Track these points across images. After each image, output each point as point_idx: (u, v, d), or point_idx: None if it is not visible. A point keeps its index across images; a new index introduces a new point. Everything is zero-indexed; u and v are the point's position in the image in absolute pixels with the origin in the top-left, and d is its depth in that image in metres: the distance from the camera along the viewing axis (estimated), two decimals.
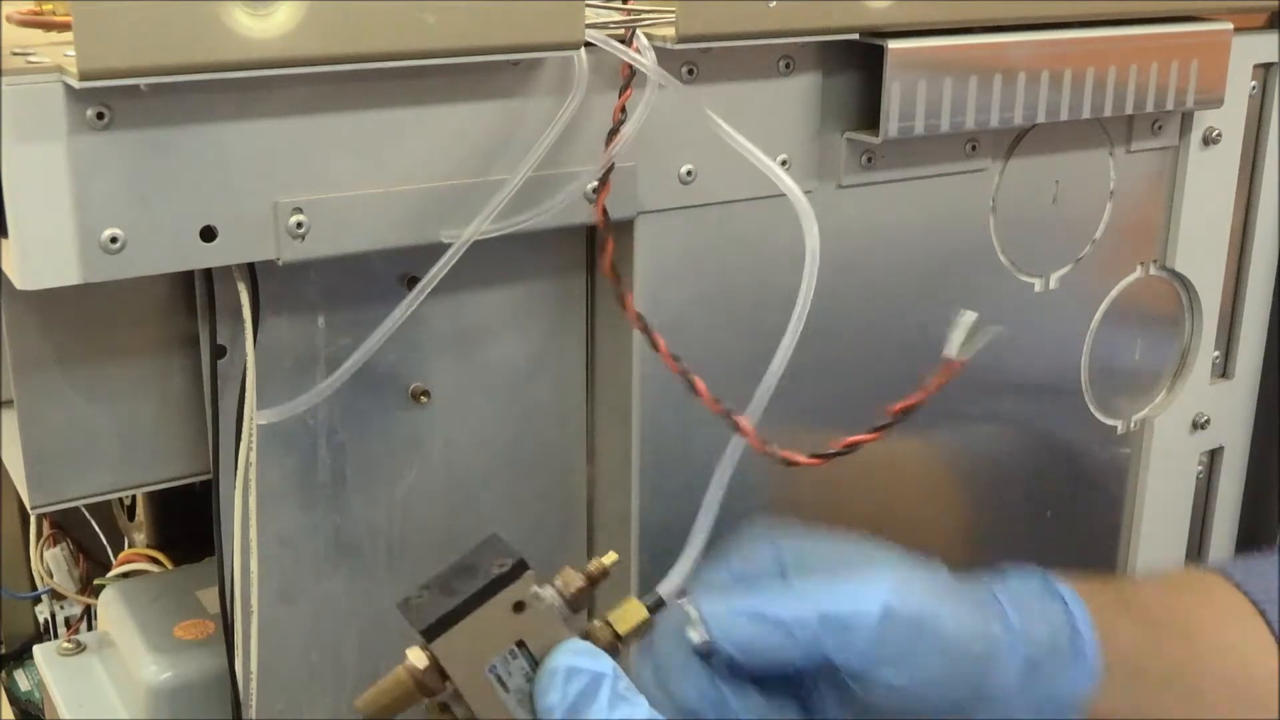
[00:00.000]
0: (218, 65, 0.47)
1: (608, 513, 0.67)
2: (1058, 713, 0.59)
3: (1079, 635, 0.61)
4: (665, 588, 0.55)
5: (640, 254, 0.61)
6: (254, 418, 0.56)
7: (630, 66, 0.56)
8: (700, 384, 0.55)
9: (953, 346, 0.53)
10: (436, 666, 0.49)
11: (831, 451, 0.55)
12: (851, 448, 0.55)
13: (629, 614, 0.53)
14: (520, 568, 0.50)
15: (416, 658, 0.49)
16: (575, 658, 0.50)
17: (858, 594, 0.54)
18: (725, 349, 0.64)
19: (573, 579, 0.52)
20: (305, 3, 0.48)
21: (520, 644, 0.50)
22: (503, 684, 0.50)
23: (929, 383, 0.54)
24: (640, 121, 0.56)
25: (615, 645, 0.52)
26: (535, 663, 0.50)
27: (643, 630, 0.53)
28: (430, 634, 0.49)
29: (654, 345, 0.55)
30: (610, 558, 0.53)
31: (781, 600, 0.54)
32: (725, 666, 0.54)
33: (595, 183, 0.57)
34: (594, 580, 0.52)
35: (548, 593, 0.51)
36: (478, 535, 0.64)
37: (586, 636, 0.52)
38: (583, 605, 0.52)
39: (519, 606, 0.50)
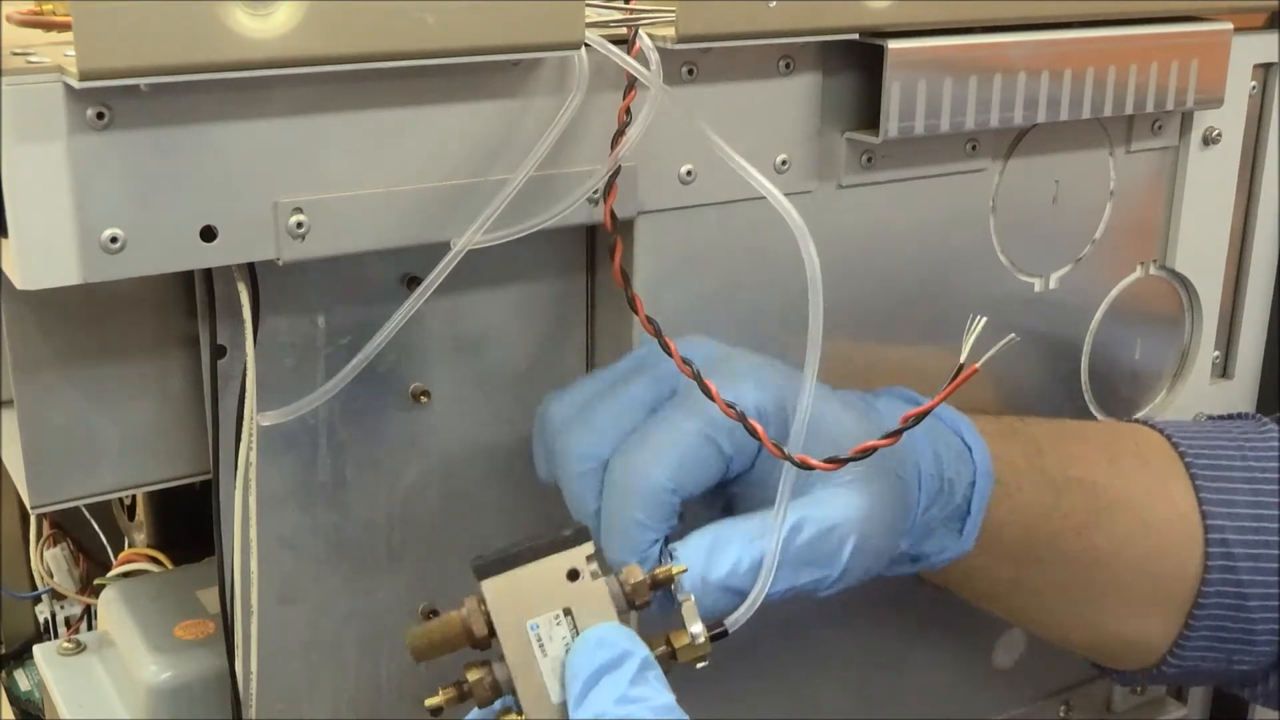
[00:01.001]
0: (218, 65, 0.47)
1: None
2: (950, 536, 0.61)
3: (968, 447, 0.62)
4: (732, 621, 0.55)
5: (640, 254, 0.61)
6: (254, 418, 0.56)
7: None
8: (714, 389, 0.55)
9: (967, 352, 0.53)
10: (486, 616, 0.50)
11: (846, 456, 0.55)
12: (866, 452, 0.55)
13: (692, 646, 0.53)
14: (581, 535, 0.51)
15: (471, 604, 0.51)
16: (611, 632, 0.50)
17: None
18: None
19: (634, 573, 0.52)
20: (305, 3, 0.48)
21: (567, 611, 0.51)
22: (542, 647, 0.51)
23: (942, 389, 0.54)
24: (645, 123, 0.56)
25: (668, 662, 0.53)
26: (576, 632, 0.51)
27: (698, 660, 0.54)
28: (482, 573, 0.50)
29: (666, 350, 0.55)
30: (680, 568, 0.54)
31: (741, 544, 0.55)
32: None
33: (599, 185, 0.57)
34: (656, 584, 0.53)
35: (606, 574, 0.52)
36: (478, 535, 0.65)
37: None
38: (639, 602, 0.52)
39: (573, 574, 0.51)
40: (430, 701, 0.51)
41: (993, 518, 0.62)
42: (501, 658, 0.51)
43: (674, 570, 0.53)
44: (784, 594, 0.56)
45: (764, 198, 0.63)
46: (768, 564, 0.55)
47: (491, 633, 0.50)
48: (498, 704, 0.52)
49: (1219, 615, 0.67)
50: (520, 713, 0.51)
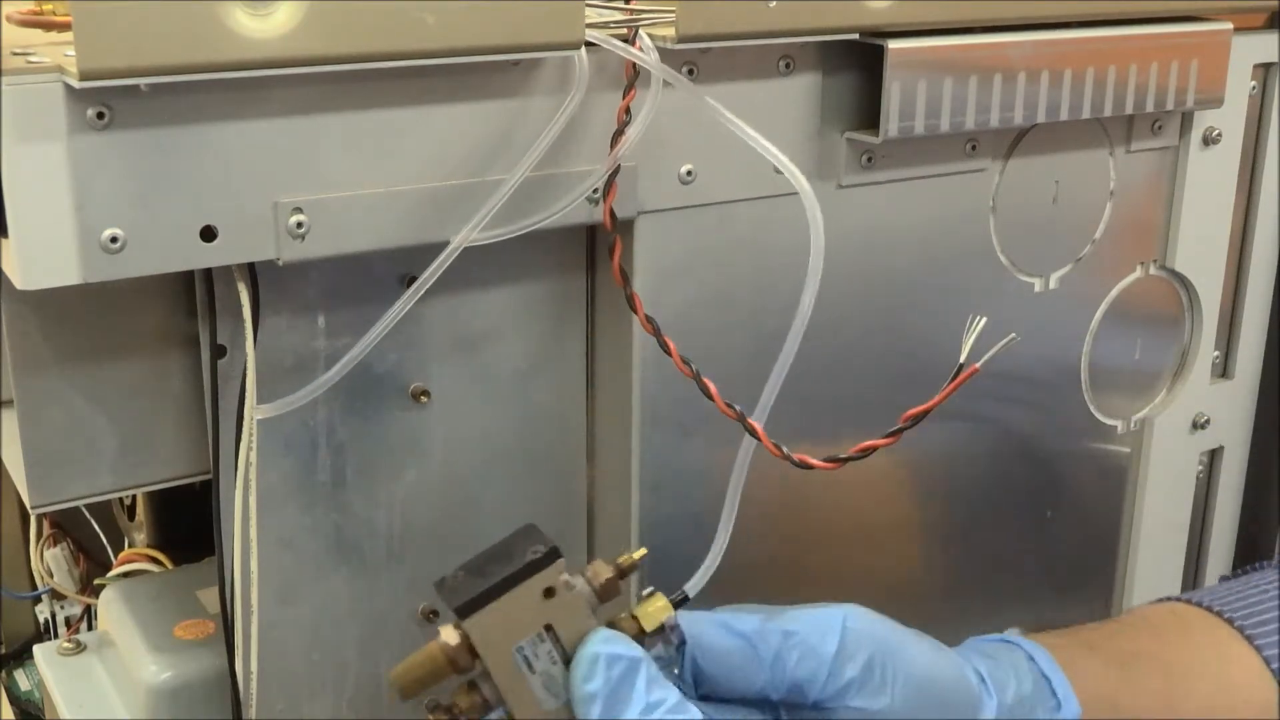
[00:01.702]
0: (218, 65, 0.47)
1: (608, 513, 0.67)
2: None
3: (1047, 678, 0.62)
4: (691, 586, 0.56)
5: (640, 254, 0.61)
6: (254, 416, 0.56)
7: (634, 67, 0.56)
8: (713, 388, 0.55)
9: (967, 353, 0.53)
10: (468, 645, 0.51)
11: (846, 456, 0.55)
12: (866, 452, 0.55)
13: (655, 611, 0.54)
14: (553, 555, 0.52)
15: (449, 635, 0.51)
16: (612, 645, 0.52)
17: (820, 615, 0.56)
18: (726, 349, 0.64)
19: (602, 570, 0.54)
20: (305, 3, 0.48)
21: (548, 628, 0.52)
22: (529, 665, 0.52)
23: (943, 389, 0.54)
24: (645, 123, 0.56)
25: (640, 639, 0.54)
26: (562, 647, 0.52)
27: (666, 626, 0.55)
28: (463, 612, 0.51)
29: (665, 349, 0.55)
30: (640, 553, 0.55)
31: (749, 617, 0.56)
32: (695, 689, 0.54)
33: (599, 184, 0.57)
34: (623, 573, 0.54)
35: (578, 581, 0.53)
36: (478, 535, 0.64)
37: (613, 627, 0.53)
38: (611, 596, 0.54)
39: (549, 592, 0.52)
40: None
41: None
42: (485, 676, 0.52)
43: (635, 556, 0.55)
44: None
45: (764, 198, 0.63)
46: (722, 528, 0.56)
47: (475, 657, 0.51)
48: (492, 715, 0.53)
49: None
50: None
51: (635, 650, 0.52)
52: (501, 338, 0.62)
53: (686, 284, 0.63)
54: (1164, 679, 0.66)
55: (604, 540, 0.67)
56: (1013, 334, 0.53)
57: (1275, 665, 0.67)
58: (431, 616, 0.64)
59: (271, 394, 0.57)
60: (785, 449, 0.55)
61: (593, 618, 0.53)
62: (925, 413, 0.55)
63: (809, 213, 0.55)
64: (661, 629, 0.54)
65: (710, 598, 0.68)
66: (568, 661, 0.52)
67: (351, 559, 0.62)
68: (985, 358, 0.53)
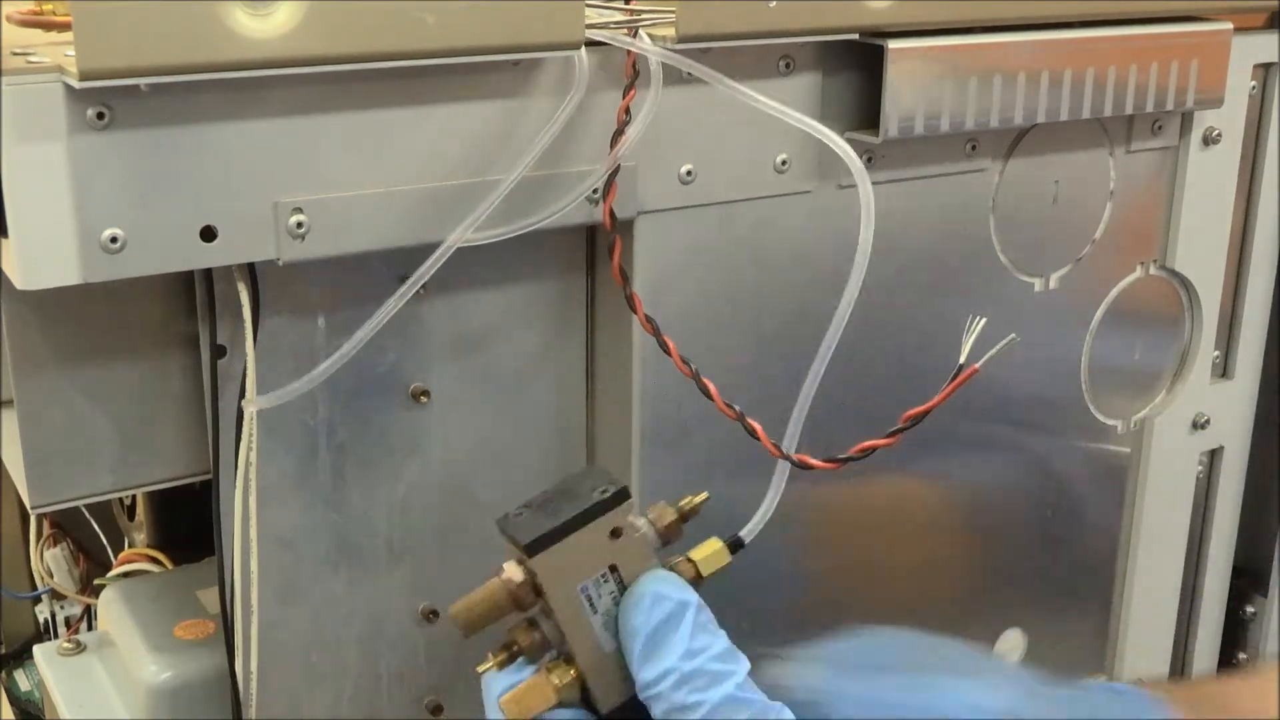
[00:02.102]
0: (218, 65, 0.47)
1: None
2: None
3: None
4: (746, 532, 0.56)
5: (640, 254, 0.61)
6: (253, 416, 0.56)
7: (635, 67, 0.56)
8: (713, 388, 0.55)
9: (967, 353, 0.53)
10: (532, 582, 0.51)
11: (845, 456, 0.55)
12: (866, 452, 0.55)
13: (712, 555, 0.55)
14: (622, 495, 0.52)
15: (514, 571, 0.51)
16: (663, 584, 0.52)
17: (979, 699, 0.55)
18: (726, 349, 0.64)
19: (665, 514, 0.54)
20: (305, 3, 0.48)
21: (613, 568, 0.52)
22: (591, 605, 0.52)
23: (943, 389, 0.54)
24: (645, 122, 0.56)
25: (697, 581, 0.54)
26: (624, 588, 0.52)
27: (721, 570, 0.55)
28: (532, 549, 0.50)
29: (665, 349, 0.55)
30: (702, 496, 0.55)
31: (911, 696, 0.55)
32: None
33: (599, 184, 0.57)
34: (685, 516, 0.54)
35: (642, 523, 0.53)
36: (478, 535, 0.65)
37: (670, 569, 0.53)
38: (673, 539, 0.54)
39: (616, 533, 0.52)
40: (483, 667, 0.52)
41: None
42: (546, 613, 0.52)
43: (697, 500, 0.54)
44: None
45: (764, 198, 0.63)
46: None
47: (538, 595, 0.51)
48: (545, 656, 0.53)
49: None
50: (572, 662, 0.52)
51: (687, 593, 0.52)
52: (501, 338, 0.62)
53: (686, 284, 0.63)
54: None
55: None
56: (1012, 334, 0.53)
57: None
58: (431, 616, 0.64)
59: (271, 394, 0.57)
60: (784, 449, 0.55)
61: (655, 558, 0.53)
62: (925, 413, 0.55)
63: (862, 196, 0.55)
64: (718, 570, 0.54)
65: (711, 598, 0.68)
66: None
67: (351, 559, 0.62)
68: (985, 358, 0.53)
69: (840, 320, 0.55)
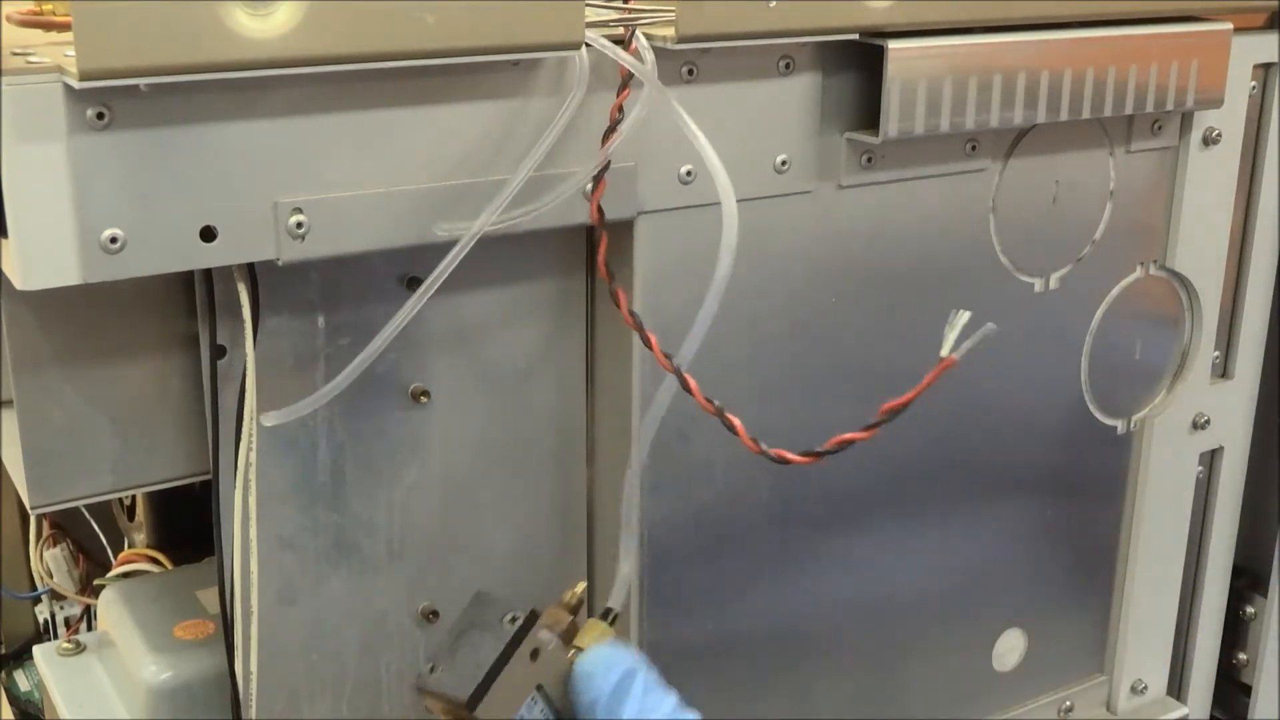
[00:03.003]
0: (218, 65, 0.47)
1: (608, 513, 0.67)
2: None
3: None
4: (613, 602, 0.58)
5: (640, 254, 0.61)
6: (254, 418, 0.56)
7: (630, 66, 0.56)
8: (693, 382, 0.55)
9: (947, 345, 0.53)
10: None
11: (822, 450, 0.55)
12: (843, 445, 0.55)
13: (599, 633, 0.56)
14: (533, 617, 0.53)
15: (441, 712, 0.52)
16: (612, 653, 0.53)
17: None
18: (725, 348, 0.64)
19: (560, 617, 0.55)
20: (305, 3, 0.48)
21: (539, 687, 0.53)
22: None
23: (920, 381, 0.54)
24: (637, 121, 0.56)
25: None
26: (551, 703, 0.53)
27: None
28: (473, 703, 0.51)
29: (646, 343, 0.55)
30: (580, 586, 0.57)
31: None
32: None
33: (592, 181, 0.57)
34: (575, 611, 0.56)
35: (547, 636, 0.54)
36: (478, 535, 0.65)
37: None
38: (573, 637, 0.55)
39: (535, 654, 0.53)
40: None
41: None
42: None
43: (579, 590, 0.56)
44: None
45: (764, 198, 0.63)
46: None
47: None
48: None
49: None
50: None
51: (635, 660, 0.53)
52: (501, 338, 0.62)
53: (686, 284, 0.63)
54: None
55: (604, 540, 0.67)
56: (989, 325, 0.53)
57: None
58: (431, 617, 0.64)
59: (272, 394, 0.57)
60: (763, 444, 0.55)
61: (568, 658, 0.54)
62: (903, 406, 0.54)
63: (724, 206, 0.55)
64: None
65: (713, 597, 0.68)
66: (560, 717, 0.53)
67: (351, 559, 0.62)
68: (963, 349, 0.53)
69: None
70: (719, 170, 0.55)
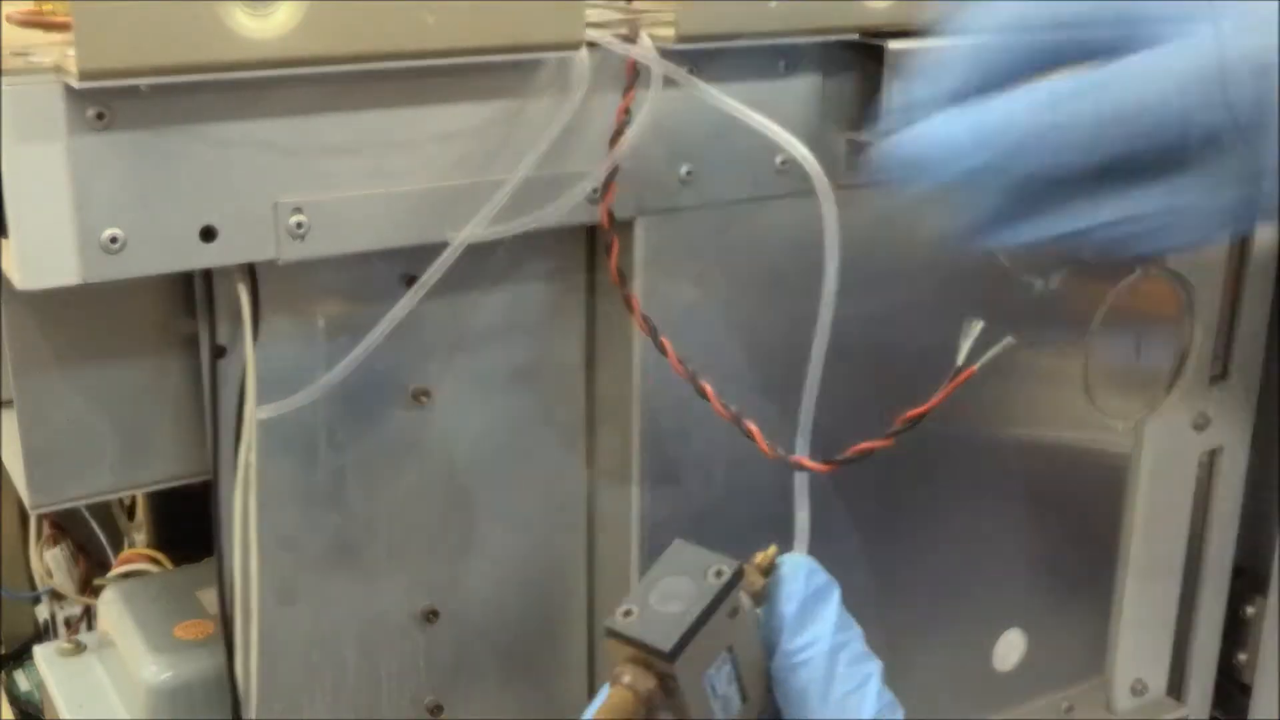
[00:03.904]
0: (218, 65, 0.47)
1: (608, 513, 0.67)
2: None
3: None
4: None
5: (640, 254, 0.61)
6: (254, 416, 0.56)
7: (635, 67, 0.56)
8: (709, 389, 0.55)
9: (962, 353, 0.53)
10: (661, 684, 0.48)
11: (842, 458, 0.55)
12: (863, 455, 0.55)
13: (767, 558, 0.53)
14: (740, 573, 0.49)
15: (639, 678, 0.48)
16: (812, 564, 0.50)
17: None
18: (725, 350, 0.64)
19: (754, 578, 0.51)
20: (305, 3, 0.48)
21: (729, 649, 0.49)
22: (714, 690, 0.49)
23: (939, 390, 0.54)
24: (645, 123, 0.56)
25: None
26: (736, 666, 0.49)
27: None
28: (675, 654, 0.47)
29: (661, 349, 0.55)
30: (773, 549, 0.52)
31: None
32: None
33: (598, 184, 0.57)
34: (767, 575, 0.52)
35: (744, 598, 0.50)
36: (478, 535, 0.65)
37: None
38: (762, 602, 0.52)
39: (734, 612, 0.49)
40: None
41: None
42: (671, 709, 0.49)
43: (771, 553, 0.52)
44: None
45: (764, 198, 0.63)
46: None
47: (668, 697, 0.48)
48: None
49: None
50: None
51: (834, 580, 0.50)
52: (501, 338, 0.62)
53: (686, 284, 0.63)
54: None
55: (604, 540, 0.67)
56: (1009, 338, 0.53)
57: None
58: (431, 617, 0.64)
59: (272, 394, 0.57)
60: (780, 449, 0.55)
61: (758, 626, 0.51)
62: (922, 415, 0.55)
63: (824, 208, 0.54)
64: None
65: None
66: (741, 683, 0.50)
67: (351, 559, 0.62)
68: (982, 361, 0.53)
69: (824, 327, 0.55)
70: (808, 158, 0.56)
